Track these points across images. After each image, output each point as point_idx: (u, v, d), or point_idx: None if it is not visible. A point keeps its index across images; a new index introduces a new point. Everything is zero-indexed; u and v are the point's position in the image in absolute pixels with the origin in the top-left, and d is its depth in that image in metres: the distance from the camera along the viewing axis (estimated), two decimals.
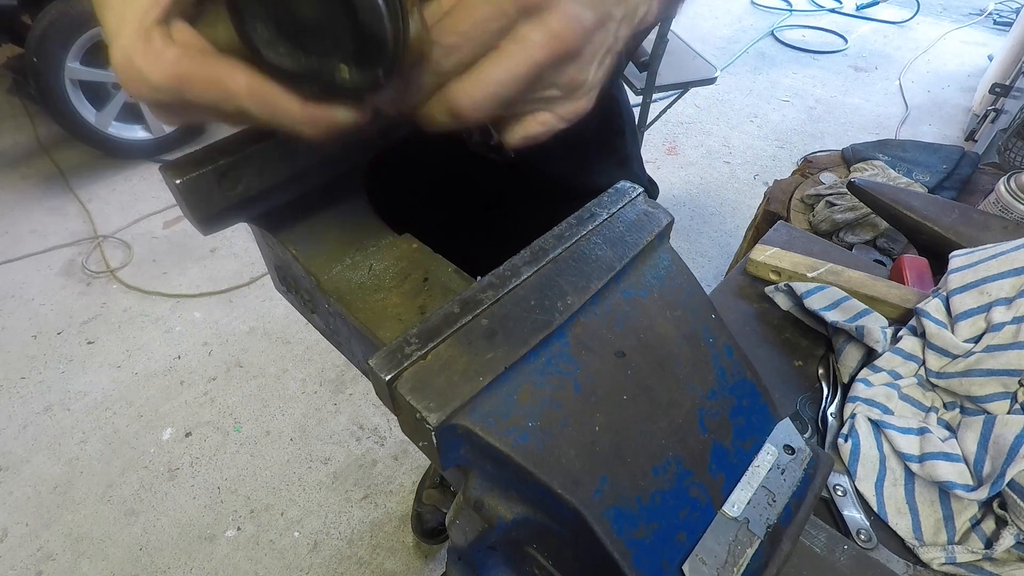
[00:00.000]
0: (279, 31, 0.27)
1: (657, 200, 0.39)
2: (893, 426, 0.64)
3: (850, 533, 0.58)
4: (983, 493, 0.56)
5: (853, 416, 0.66)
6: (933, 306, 0.70)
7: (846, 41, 3.89)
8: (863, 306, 0.75)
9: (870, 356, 0.72)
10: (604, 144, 0.69)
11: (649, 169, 2.78)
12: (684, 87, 2.04)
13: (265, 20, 0.27)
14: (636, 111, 2.07)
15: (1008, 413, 0.62)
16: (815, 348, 0.77)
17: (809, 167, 1.60)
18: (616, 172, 0.70)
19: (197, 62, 0.27)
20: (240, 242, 2.22)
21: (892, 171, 1.47)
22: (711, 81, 2.05)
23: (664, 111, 2.21)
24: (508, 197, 0.69)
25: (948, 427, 0.65)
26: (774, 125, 3.07)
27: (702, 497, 0.33)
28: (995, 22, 4.21)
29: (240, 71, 0.27)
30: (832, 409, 0.69)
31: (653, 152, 2.83)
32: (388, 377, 0.27)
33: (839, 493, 0.61)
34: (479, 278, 0.34)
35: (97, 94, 2.33)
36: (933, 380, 0.68)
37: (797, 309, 0.80)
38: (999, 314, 0.65)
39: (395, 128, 0.43)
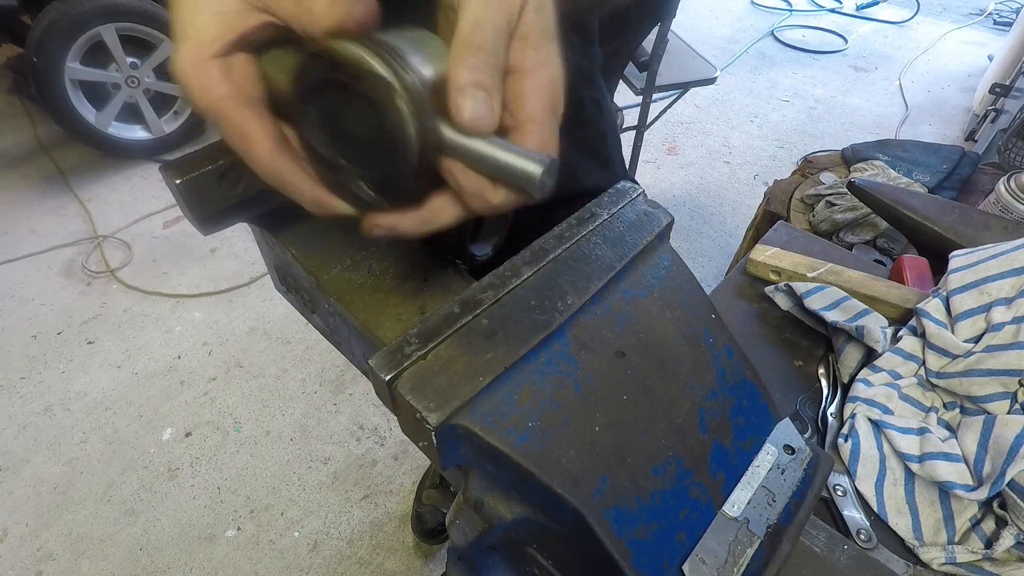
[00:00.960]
0: (326, 123, 0.30)
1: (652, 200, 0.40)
2: (893, 426, 0.64)
3: (850, 533, 0.58)
4: (983, 493, 0.56)
5: (853, 416, 0.66)
6: (933, 306, 0.70)
7: (846, 41, 3.89)
8: (863, 306, 0.75)
9: (870, 356, 0.72)
10: (586, 147, 0.70)
11: (649, 169, 2.77)
12: (684, 87, 2.04)
13: (319, 115, 0.30)
14: (636, 111, 2.08)
15: (1008, 413, 0.62)
16: (815, 348, 0.77)
17: (809, 167, 1.60)
18: (599, 174, 0.71)
19: (237, 112, 0.28)
20: (240, 242, 2.22)
21: (892, 171, 1.47)
22: (711, 81, 2.05)
23: (664, 111, 2.21)
24: None
25: (948, 427, 0.65)
26: (774, 125, 3.07)
27: (702, 497, 0.33)
28: (995, 22, 4.21)
29: (266, 139, 0.28)
30: (832, 409, 0.69)
31: (653, 152, 2.83)
32: (388, 377, 0.27)
33: (839, 493, 0.61)
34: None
35: (97, 94, 2.32)
36: (933, 380, 0.68)
37: (797, 309, 0.80)
38: (999, 314, 0.65)
39: None
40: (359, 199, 0.31)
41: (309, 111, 0.31)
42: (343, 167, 0.31)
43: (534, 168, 0.27)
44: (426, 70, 0.28)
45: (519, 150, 0.28)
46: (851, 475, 0.62)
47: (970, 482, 0.58)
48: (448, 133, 0.28)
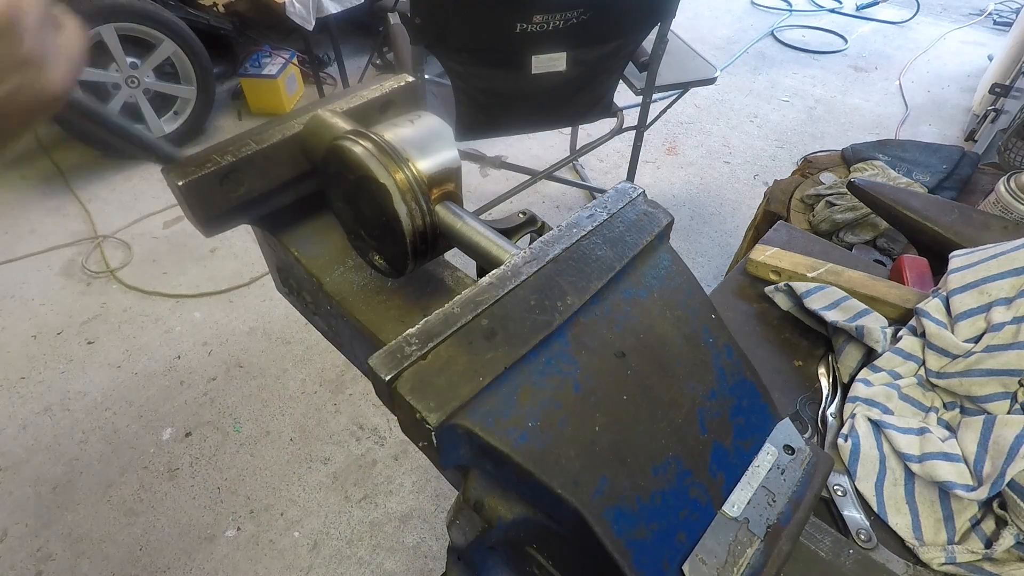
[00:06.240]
0: (347, 201, 0.36)
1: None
2: (893, 426, 0.64)
3: (850, 533, 0.58)
4: (983, 493, 0.56)
5: (853, 416, 0.66)
6: (933, 306, 0.70)
7: (846, 41, 3.89)
8: (863, 306, 0.75)
9: (870, 356, 0.72)
10: None
11: (649, 169, 2.76)
12: (684, 87, 2.04)
13: (342, 192, 0.36)
14: (636, 111, 2.07)
15: (1008, 413, 0.62)
16: (815, 348, 0.77)
17: (809, 167, 1.60)
18: None
19: None
20: (240, 242, 2.22)
21: (892, 171, 1.47)
22: (711, 81, 2.05)
23: (664, 111, 2.20)
24: None
25: (948, 427, 0.65)
26: (774, 125, 3.07)
27: (702, 497, 0.33)
28: (995, 22, 4.20)
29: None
30: (832, 409, 0.69)
31: (653, 152, 2.83)
32: (388, 377, 0.27)
33: (839, 493, 0.61)
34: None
35: (97, 94, 2.33)
36: (933, 380, 0.68)
37: (797, 309, 0.80)
38: (999, 314, 0.65)
39: None
40: (375, 264, 0.38)
41: (334, 189, 0.37)
42: (364, 239, 0.37)
43: (507, 257, 0.33)
44: (427, 163, 0.34)
45: (499, 238, 0.33)
46: (851, 475, 0.62)
47: (970, 482, 0.58)
48: (443, 215, 0.34)
